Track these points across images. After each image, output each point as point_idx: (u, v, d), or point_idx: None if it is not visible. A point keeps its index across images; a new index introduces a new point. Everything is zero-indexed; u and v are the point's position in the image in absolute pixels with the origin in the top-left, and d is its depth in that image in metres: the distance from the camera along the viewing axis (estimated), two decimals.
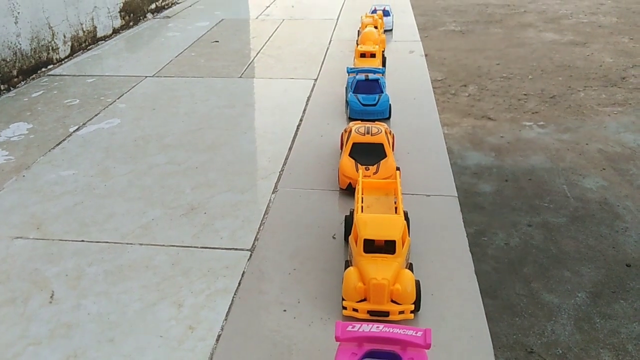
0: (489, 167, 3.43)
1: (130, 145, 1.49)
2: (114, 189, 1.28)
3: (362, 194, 1.09)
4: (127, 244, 1.08)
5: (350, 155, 1.26)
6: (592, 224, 2.91)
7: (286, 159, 1.41)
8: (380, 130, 1.31)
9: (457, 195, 1.25)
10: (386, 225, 0.95)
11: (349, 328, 0.77)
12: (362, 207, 1.04)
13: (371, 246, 0.93)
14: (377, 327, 0.77)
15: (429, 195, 1.24)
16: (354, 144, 1.28)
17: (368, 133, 1.29)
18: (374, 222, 0.95)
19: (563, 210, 3.03)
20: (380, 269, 0.89)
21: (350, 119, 1.58)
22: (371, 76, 1.62)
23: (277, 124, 1.63)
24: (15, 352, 0.83)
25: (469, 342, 0.86)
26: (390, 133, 1.37)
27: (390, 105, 1.60)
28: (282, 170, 1.36)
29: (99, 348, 0.84)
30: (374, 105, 1.58)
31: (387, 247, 0.93)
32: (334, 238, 1.10)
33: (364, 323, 0.78)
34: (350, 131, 1.32)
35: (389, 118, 1.61)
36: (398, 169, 1.23)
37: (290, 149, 1.46)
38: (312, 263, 1.03)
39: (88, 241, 1.09)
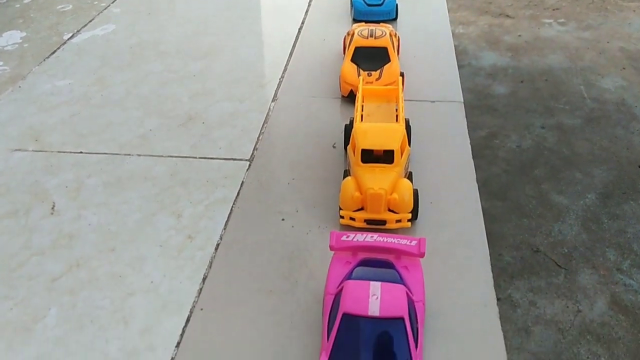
0: (504, 67, 3.31)
1: (126, 52, 1.45)
2: (110, 99, 1.25)
3: (363, 102, 1.05)
4: (125, 155, 1.08)
5: (353, 60, 1.21)
6: (607, 125, 2.84)
7: (286, 65, 1.36)
8: (384, 33, 1.24)
9: (463, 101, 1.20)
10: (385, 134, 0.92)
11: (344, 238, 0.77)
12: (361, 115, 1.01)
13: (369, 156, 0.91)
14: (372, 236, 0.77)
15: (433, 102, 1.20)
16: (356, 48, 1.22)
17: (371, 36, 1.23)
18: (372, 132, 0.93)
19: (578, 112, 2.95)
20: (377, 178, 0.88)
21: (355, 21, 1.50)
22: None
23: (278, 28, 1.55)
24: (19, 262, 0.86)
25: (465, 250, 0.86)
26: (395, 36, 1.31)
27: (397, 4, 1.52)
28: (282, 77, 1.31)
29: (101, 257, 0.86)
30: (380, 5, 1.49)
31: (386, 156, 0.91)
32: (334, 147, 1.08)
33: (358, 232, 0.78)
34: (353, 34, 1.26)
35: (395, 19, 1.52)
36: (402, 74, 1.18)
37: (290, 54, 1.40)
38: (311, 172, 1.02)
39: (86, 152, 1.09)
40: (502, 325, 2.32)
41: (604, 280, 2.24)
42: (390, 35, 1.25)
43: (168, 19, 1.63)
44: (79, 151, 1.09)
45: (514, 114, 3.06)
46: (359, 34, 1.24)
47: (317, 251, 0.86)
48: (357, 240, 0.76)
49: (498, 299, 2.44)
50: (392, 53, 1.21)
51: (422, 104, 1.19)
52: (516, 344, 1.99)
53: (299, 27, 1.54)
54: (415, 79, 1.25)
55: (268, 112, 1.19)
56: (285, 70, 1.34)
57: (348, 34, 1.32)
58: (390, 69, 1.19)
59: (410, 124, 1.04)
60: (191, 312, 0.77)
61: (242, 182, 1.00)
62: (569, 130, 2.98)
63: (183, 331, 0.75)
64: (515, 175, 2.78)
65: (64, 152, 1.09)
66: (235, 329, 0.75)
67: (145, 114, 1.19)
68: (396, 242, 0.76)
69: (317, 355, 0.68)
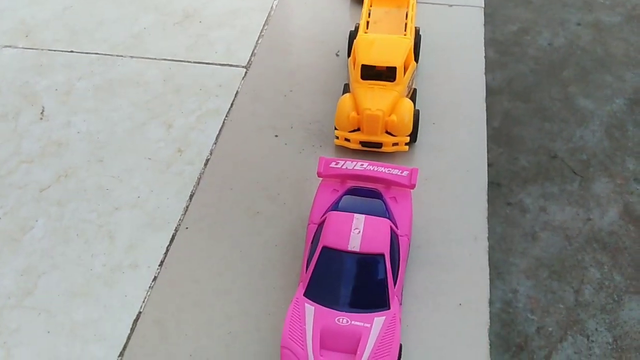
0: None
1: None
2: None
3: (370, 6, 0.96)
4: (118, 56, 1.02)
5: None
6: None
7: None
8: None
9: (483, 6, 1.10)
10: (388, 48, 0.85)
11: (332, 164, 0.74)
12: (367, 22, 0.93)
13: (370, 71, 0.85)
14: (361, 164, 0.73)
15: (451, 6, 1.10)
16: None
17: None
18: (374, 45, 0.86)
19: (619, 8, 2.73)
20: (376, 98, 0.82)
21: None
22: None
23: None
24: (9, 169, 0.85)
25: (463, 178, 0.82)
26: None
27: None
28: None
29: (89, 168, 0.85)
30: None
31: (388, 72, 0.84)
32: (337, 55, 1.01)
33: (348, 160, 0.74)
34: None
35: None
36: None
37: None
38: (310, 84, 0.96)
39: (77, 52, 1.04)
40: (509, 230, 2.31)
41: (619, 189, 2.20)
42: None
43: None
44: (70, 50, 1.04)
45: (550, 8, 2.84)
46: None
47: (308, 172, 0.83)
48: (346, 168, 0.73)
49: (508, 204, 2.42)
50: None
51: (438, 8, 1.09)
52: (521, 249, 2.01)
53: None
54: None
55: (270, 12, 1.10)
56: None
57: None
58: None
59: (420, 33, 0.96)
60: (176, 230, 0.77)
61: (237, 92, 0.95)
62: (606, 29, 2.78)
63: (167, 250, 0.75)
64: (542, 76, 2.65)
65: (55, 50, 1.04)
66: (219, 250, 0.75)
67: (140, 9, 1.12)
68: (386, 171, 0.73)
69: (298, 281, 0.68)
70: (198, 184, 0.82)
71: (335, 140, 0.85)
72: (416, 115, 0.84)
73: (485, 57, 1.01)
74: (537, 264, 1.96)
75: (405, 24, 0.93)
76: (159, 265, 0.73)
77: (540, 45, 2.75)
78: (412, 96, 0.89)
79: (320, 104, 0.93)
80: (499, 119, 2.47)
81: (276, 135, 0.88)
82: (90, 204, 0.80)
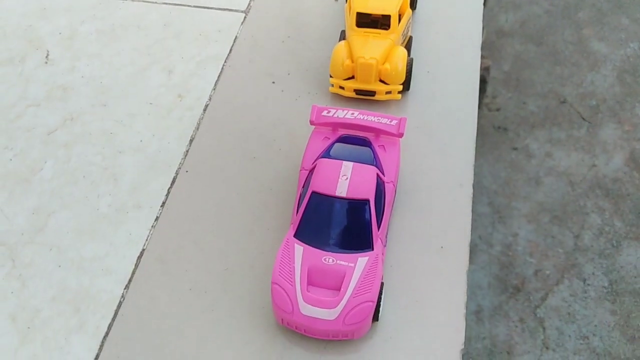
0: None
1: None
2: None
3: None
4: None
5: None
6: None
7: None
8: None
9: None
10: None
11: (324, 113, 0.77)
12: None
13: (365, 19, 0.86)
14: (352, 113, 0.76)
15: None
16: None
17: None
18: None
19: None
20: (370, 46, 0.84)
21: None
22: None
23: None
24: (17, 113, 0.89)
25: (452, 126, 0.85)
26: None
27: None
28: None
29: (93, 112, 0.88)
30: None
31: (383, 20, 0.85)
32: (336, 1, 1.02)
33: (339, 109, 0.77)
34: None
35: None
36: None
37: None
38: (308, 30, 0.97)
39: None
40: (514, 175, 2.33)
41: (626, 135, 2.21)
42: None
43: None
44: None
45: None
46: None
47: (303, 119, 0.85)
48: (337, 116, 0.76)
49: (514, 149, 2.43)
50: None
51: None
52: (524, 193, 2.05)
53: None
54: None
55: None
56: None
57: None
58: None
59: None
60: (177, 173, 0.81)
61: (236, 38, 0.97)
62: None
63: (168, 192, 0.79)
64: (556, 17, 2.59)
65: None
66: (217, 193, 0.79)
67: None
68: (376, 120, 0.75)
69: (289, 225, 0.73)
70: (198, 129, 0.86)
71: (330, 87, 0.87)
72: (410, 64, 0.85)
73: None
74: (539, 208, 2.00)
75: None
76: (161, 206, 0.77)
77: None
78: (408, 44, 0.90)
79: (317, 50, 0.94)
80: (509, 63, 2.44)
81: (273, 82, 0.91)
82: (96, 147, 0.84)
